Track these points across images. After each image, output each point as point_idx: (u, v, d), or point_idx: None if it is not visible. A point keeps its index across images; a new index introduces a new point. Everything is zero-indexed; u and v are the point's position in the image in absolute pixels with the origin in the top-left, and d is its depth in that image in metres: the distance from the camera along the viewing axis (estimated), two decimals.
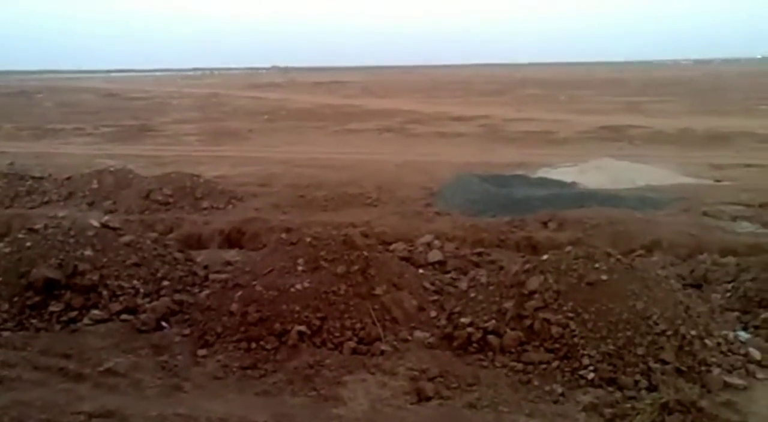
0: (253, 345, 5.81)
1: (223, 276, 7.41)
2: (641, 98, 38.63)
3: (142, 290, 6.96)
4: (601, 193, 11.77)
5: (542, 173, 14.32)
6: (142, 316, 6.42)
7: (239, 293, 6.29)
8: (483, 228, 9.85)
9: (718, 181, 13.81)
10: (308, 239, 6.82)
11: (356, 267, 6.44)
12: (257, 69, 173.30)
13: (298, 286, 6.17)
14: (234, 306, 6.13)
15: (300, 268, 6.44)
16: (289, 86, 66.07)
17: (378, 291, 6.34)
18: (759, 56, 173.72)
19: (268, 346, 5.77)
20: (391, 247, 8.65)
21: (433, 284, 7.24)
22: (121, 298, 6.72)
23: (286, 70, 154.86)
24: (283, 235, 7.45)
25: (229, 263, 8.49)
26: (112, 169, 13.30)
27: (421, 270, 7.79)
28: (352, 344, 5.79)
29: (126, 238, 7.52)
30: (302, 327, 5.83)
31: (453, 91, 52.46)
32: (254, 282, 6.36)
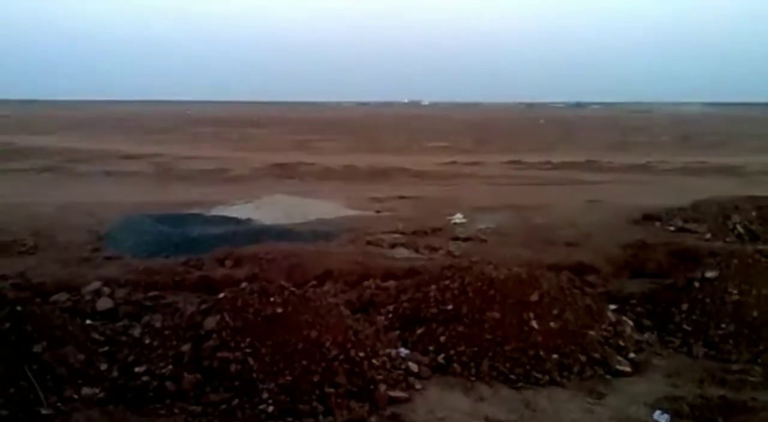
0: None
1: None
2: (310, 137, 41.05)
3: None
4: (275, 228, 12.12)
5: (218, 211, 14.28)
6: None
7: None
8: (157, 270, 9.44)
9: (379, 212, 15.17)
10: None
11: (8, 325, 5.71)
12: None
13: None
14: None
15: None
16: None
17: (37, 348, 5.69)
18: (406, 100, 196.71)
19: None
20: (52, 299, 7.85)
21: (102, 334, 6.72)
22: None
23: None
24: None
25: None
26: None
27: (88, 321, 7.18)
28: (3, 412, 5.08)
29: None
30: None
31: (120, 127, 50.03)
32: None
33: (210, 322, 5.90)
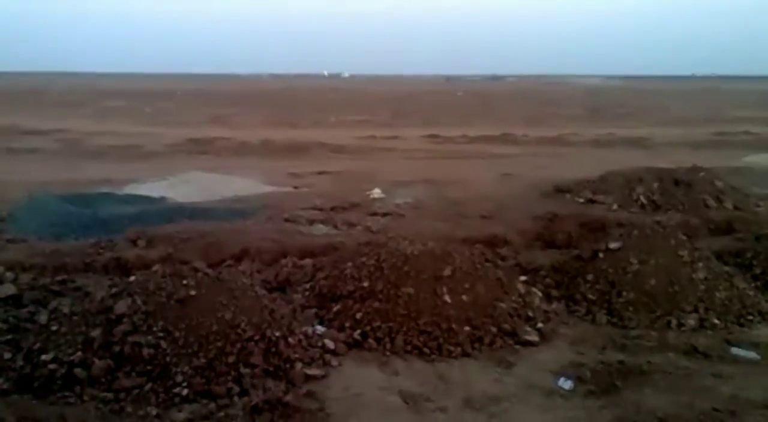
0: None
1: None
2: (225, 110, 40.16)
3: None
4: (190, 207, 11.90)
5: (130, 189, 13.87)
6: None
7: None
8: (66, 252, 9.11)
9: (297, 187, 15.08)
10: None
11: None
12: None
13: None
14: None
15: None
16: None
17: None
18: (326, 73, 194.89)
19: None
20: None
21: (6, 322, 6.47)
22: None
23: None
24: None
25: None
26: None
27: None
28: None
29: None
30: None
31: (21, 101, 47.57)
32: None
33: (121, 306, 5.79)
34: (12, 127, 27.71)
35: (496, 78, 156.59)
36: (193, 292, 5.92)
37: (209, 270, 6.46)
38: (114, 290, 6.10)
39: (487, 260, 8.01)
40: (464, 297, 6.72)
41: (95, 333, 5.66)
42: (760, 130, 28.50)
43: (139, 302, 5.80)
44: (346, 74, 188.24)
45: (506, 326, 6.59)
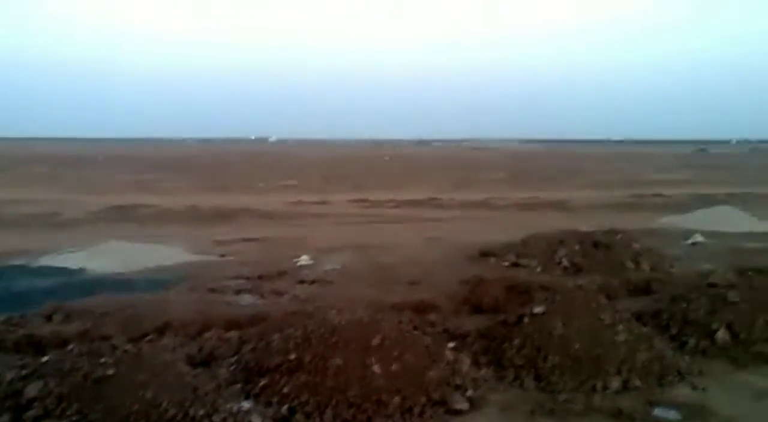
0: None
1: None
2: (150, 176, 39.55)
3: None
4: (111, 278, 11.56)
5: (46, 261, 13.35)
6: None
7: None
8: None
9: (223, 256, 14.85)
10: None
11: None
12: None
13: None
14: None
15: None
16: None
17: None
18: (253, 137, 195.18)
19: None
20: None
21: None
22: None
23: None
24: None
25: None
26: None
27: None
28: None
29: None
30: None
31: None
32: None
33: (32, 390, 5.47)
34: None
35: (422, 142, 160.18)
36: (111, 371, 5.65)
37: (129, 347, 6.21)
38: (24, 372, 5.77)
39: (415, 327, 8.01)
40: (394, 366, 6.65)
41: (3, 419, 5.32)
42: (672, 192, 30.02)
43: (51, 384, 5.50)
44: (273, 138, 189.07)
45: (436, 395, 6.54)
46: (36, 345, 8.33)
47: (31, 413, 5.30)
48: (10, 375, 5.81)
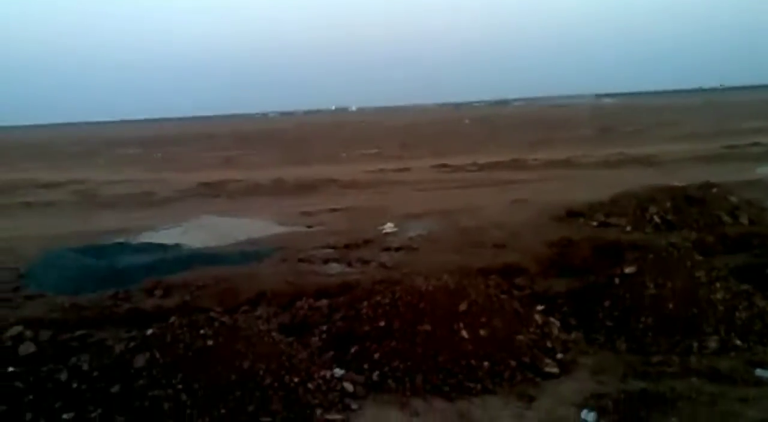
0: None
1: None
2: (235, 152, 40.62)
3: None
4: (205, 252, 11.97)
5: (145, 238, 13.96)
6: None
7: None
8: (84, 306, 9.20)
9: (310, 226, 15.14)
10: None
11: None
12: None
13: None
14: None
15: None
16: None
17: None
18: (333, 107, 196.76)
19: None
20: None
21: (26, 382, 6.47)
22: None
23: None
24: None
25: None
26: None
27: (10, 368, 6.91)
28: None
29: None
30: None
31: (35, 154, 48.31)
32: None
33: (139, 360, 5.82)
34: (29, 181, 28.13)
35: (502, 102, 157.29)
36: (210, 342, 5.94)
37: (225, 318, 6.47)
38: (132, 344, 6.13)
39: (503, 291, 7.97)
40: (482, 331, 6.67)
41: (115, 389, 5.69)
42: None
43: (157, 355, 5.83)
44: (354, 108, 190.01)
45: (526, 359, 6.53)
46: (141, 318, 8.81)
47: (140, 382, 5.64)
48: (119, 347, 6.20)
